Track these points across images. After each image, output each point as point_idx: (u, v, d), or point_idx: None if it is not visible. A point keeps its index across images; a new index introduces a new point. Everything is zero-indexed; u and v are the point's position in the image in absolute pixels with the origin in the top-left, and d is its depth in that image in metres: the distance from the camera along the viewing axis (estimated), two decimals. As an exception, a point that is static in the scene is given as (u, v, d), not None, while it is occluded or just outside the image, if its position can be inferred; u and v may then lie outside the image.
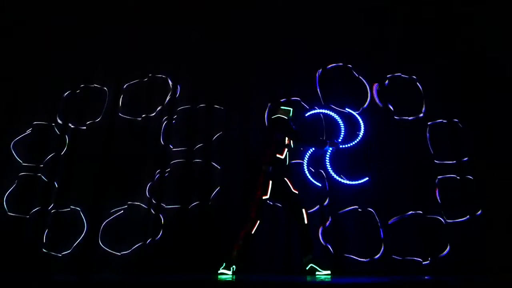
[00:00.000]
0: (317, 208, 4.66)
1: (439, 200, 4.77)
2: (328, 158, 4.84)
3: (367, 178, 4.80)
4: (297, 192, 4.05)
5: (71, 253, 4.49)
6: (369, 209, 4.68)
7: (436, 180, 4.86)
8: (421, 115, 5.15)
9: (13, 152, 4.94)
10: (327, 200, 4.71)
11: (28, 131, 5.04)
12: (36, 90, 5.19)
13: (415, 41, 5.38)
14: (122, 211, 4.66)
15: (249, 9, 5.49)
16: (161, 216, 4.63)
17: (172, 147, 4.97)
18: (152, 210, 4.63)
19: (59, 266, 4.41)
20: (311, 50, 5.38)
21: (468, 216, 4.66)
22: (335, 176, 4.80)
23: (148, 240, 4.48)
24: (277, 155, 4.06)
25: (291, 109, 4.40)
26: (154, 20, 5.50)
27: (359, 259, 4.47)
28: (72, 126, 5.04)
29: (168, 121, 5.04)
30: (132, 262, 4.41)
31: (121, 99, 5.21)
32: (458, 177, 4.85)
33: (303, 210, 3.97)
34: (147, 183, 4.77)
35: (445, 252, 4.52)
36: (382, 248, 4.51)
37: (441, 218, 4.69)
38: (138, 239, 4.51)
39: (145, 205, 4.70)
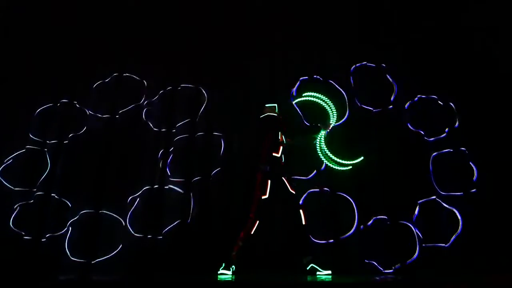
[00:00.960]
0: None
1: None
2: None
3: None
4: (294, 192, 4.05)
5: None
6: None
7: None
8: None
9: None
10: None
11: (10, 159, 4.86)
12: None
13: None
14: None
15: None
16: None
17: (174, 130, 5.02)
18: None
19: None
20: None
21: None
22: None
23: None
24: (273, 154, 4.09)
25: (276, 105, 4.40)
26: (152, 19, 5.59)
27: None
28: (66, 140, 4.96)
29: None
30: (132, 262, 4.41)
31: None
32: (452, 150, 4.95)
33: (301, 211, 3.97)
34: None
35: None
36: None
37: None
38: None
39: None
